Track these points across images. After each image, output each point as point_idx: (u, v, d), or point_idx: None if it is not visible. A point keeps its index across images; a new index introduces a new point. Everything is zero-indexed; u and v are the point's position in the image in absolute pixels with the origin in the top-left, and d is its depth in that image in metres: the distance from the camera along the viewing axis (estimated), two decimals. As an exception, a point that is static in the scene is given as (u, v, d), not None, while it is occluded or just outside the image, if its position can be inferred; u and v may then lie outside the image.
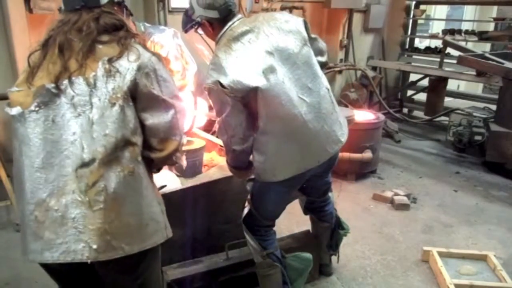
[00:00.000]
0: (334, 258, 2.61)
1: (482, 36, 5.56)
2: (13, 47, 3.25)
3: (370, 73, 5.33)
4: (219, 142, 2.32)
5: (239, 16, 1.94)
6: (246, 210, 2.12)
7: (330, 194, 2.42)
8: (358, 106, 4.95)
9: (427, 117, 5.31)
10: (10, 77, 3.38)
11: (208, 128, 2.89)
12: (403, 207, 3.49)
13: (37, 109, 1.29)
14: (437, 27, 7.24)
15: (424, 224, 3.27)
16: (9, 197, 2.96)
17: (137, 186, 1.35)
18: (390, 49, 6.18)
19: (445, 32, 5.69)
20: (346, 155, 3.82)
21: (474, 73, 4.68)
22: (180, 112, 1.45)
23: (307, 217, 2.54)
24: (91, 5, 1.37)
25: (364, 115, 4.16)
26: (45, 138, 1.28)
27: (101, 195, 1.27)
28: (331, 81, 5.44)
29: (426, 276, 2.64)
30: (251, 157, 2.00)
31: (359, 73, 5.59)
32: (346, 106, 4.89)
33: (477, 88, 7.17)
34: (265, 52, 1.80)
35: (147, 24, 2.53)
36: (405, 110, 6.22)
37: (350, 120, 3.53)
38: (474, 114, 4.78)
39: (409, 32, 6.23)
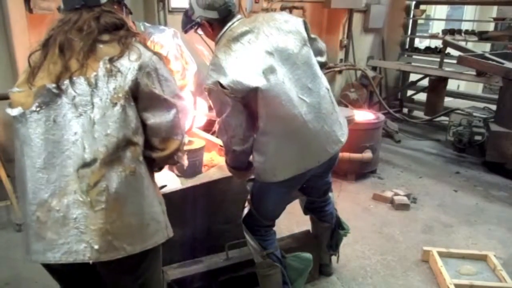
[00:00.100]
0: (334, 258, 2.61)
1: (482, 36, 5.57)
2: (13, 47, 3.25)
3: (370, 73, 5.33)
4: (219, 142, 2.32)
5: (239, 16, 1.94)
6: (246, 210, 2.12)
7: (330, 194, 2.42)
8: (358, 106, 4.95)
9: (427, 117, 5.31)
10: (10, 77, 3.38)
11: (208, 128, 2.89)
12: (403, 207, 3.49)
13: (38, 109, 1.29)
14: (437, 27, 7.24)
15: (424, 224, 3.27)
16: (9, 197, 2.96)
17: (139, 186, 1.35)
18: (390, 49, 6.18)
19: (445, 32, 5.69)
20: (346, 155, 3.82)
21: (474, 73, 4.68)
22: (181, 112, 1.45)
23: (307, 217, 2.54)
24: (91, 4, 1.37)
25: (364, 115, 4.16)
26: (47, 139, 1.28)
27: (102, 195, 1.27)
28: (331, 81, 5.44)
29: (426, 276, 2.64)
30: (250, 157, 2.00)
31: (359, 73, 5.60)
32: (346, 106, 4.89)
33: (477, 88, 7.17)
34: (265, 53, 1.80)
35: (147, 24, 2.53)
36: (405, 110, 6.22)
37: (350, 120, 3.53)
38: (474, 114, 4.78)
39: (409, 32, 6.23)
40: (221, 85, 1.73)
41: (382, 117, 4.22)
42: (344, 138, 2.02)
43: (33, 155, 1.28)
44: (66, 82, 1.29)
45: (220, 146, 2.67)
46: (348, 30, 5.50)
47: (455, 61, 4.66)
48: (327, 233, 2.47)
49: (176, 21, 2.20)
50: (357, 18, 5.59)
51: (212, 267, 2.19)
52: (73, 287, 1.51)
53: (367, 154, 3.92)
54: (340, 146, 2.01)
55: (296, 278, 2.19)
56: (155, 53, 1.42)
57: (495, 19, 6.38)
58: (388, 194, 3.63)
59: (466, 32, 5.64)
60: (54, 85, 1.29)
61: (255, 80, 1.74)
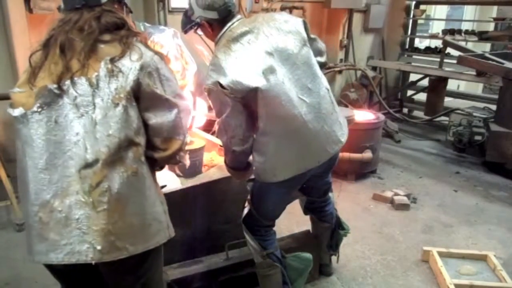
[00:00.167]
0: (334, 258, 2.61)
1: (482, 36, 5.57)
2: (13, 47, 3.25)
3: (370, 73, 5.33)
4: (219, 142, 2.32)
5: (239, 16, 1.94)
6: (246, 210, 2.12)
7: (330, 194, 2.42)
8: (358, 106, 4.95)
9: (427, 117, 5.31)
10: (10, 77, 3.38)
11: (208, 128, 2.89)
12: (403, 207, 3.49)
13: (39, 110, 1.28)
14: (437, 27, 7.24)
15: (424, 224, 3.27)
16: (9, 197, 2.96)
17: (141, 186, 1.34)
18: (390, 49, 6.18)
19: (445, 32, 5.69)
20: (346, 155, 3.82)
21: (474, 73, 4.68)
22: (183, 111, 1.44)
23: (307, 217, 2.54)
24: (92, 4, 1.36)
25: (364, 115, 4.16)
26: (48, 139, 1.28)
27: (104, 196, 1.27)
28: (331, 81, 5.44)
29: (426, 276, 2.64)
30: (250, 157, 2.00)
31: (359, 73, 5.60)
32: (346, 106, 4.89)
33: (477, 88, 7.17)
34: (264, 53, 1.80)
35: (147, 24, 2.53)
36: (405, 110, 6.22)
37: (350, 120, 3.53)
38: (474, 114, 4.78)
39: (409, 32, 6.23)
40: (221, 85, 1.73)
41: (382, 117, 4.22)
42: (344, 138, 2.02)
43: (35, 155, 1.28)
44: (68, 82, 1.29)
45: (220, 146, 2.67)
46: (348, 30, 5.50)
47: (455, 61, 4.66)
48: (327, 233, 2.47)
49: (176, 21, 2.20)
50: (357, 18, 5.59)
51: (212, 267, 2.19)
52: (75, 287, 1.51)
53: (367, 154, 3.92)
54: (340, 146, 2.00)
55: (296, 278, 2.19)
56: (157, 53, 1.41)
57: (495, 19, 6.38)
58: (388, 194, 3.63)
59: (466, 32, 5.64)
60: (55, 85, 1.28)
61: (255, 80, 1.74)
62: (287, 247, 2.31)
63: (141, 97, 1.35)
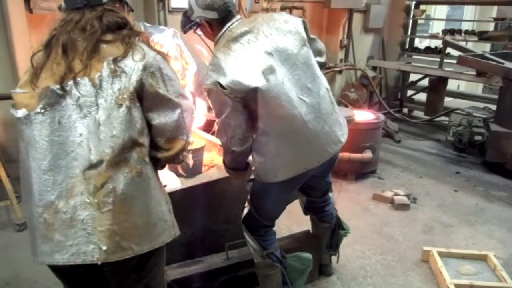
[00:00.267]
0: (334, 258, 2.61)
1: (482, 36, 5.56)
2: (13, 47, 3.25)
3: (370, 73, 5.33)
4: (219, 142, 2.32)
5: (238, 17, 1.93)
6: (245, 210, 2.12)
7: (330, 194, 2.42)
8: (358, 106, 4.96)
9: (427, 117, 5.31)
10: (10, 77, 3.38)
11: (208, 128, 2.89)
12: (403, 207, 3.49)
13: (42, 111, 1.28)
14: (437, 27, 7.24)
15: (424, 224, 3.27)
16: (9, 197, 2.96)
17: (145, 186, 1.35)
18: (390, 49, 6.18)
19: (445, 32, 5.69)
20: (346, 155, 3.82)
21: (474, 73, 4.68)
22: (186, 111, 1.44)
23: (307, 217, 2.54)
24: (93, 4, 1.36)
25: (364, 115, 4.16)
26: (52, 140, 1.27)
27: (109, 197, 1.27)
28: (331, 81, 5.44)
29: (426, 276, 2.64)
30: (249, 158, 2.00)
31: (359, 73, 5.60)
32: (346, 106, 4.89)
33: (477, 88, 7.17)
34: (264, 53, 1.80)
35: (146, 24, 2.53)
36: (405, 110, 6.22)
37: (350, 120, 3.53)
38: (474, 114, 4.78)
39: (409, 32, 6.23)
40: (220, 85, 1.73)
41: (382, 117, 4.22)
42: (344, 138, 2.02)
43: (39, 157, 1.28)
44: (70, 83, 1.28)
45: (220, 146, 2.67)
46: (348, 30, 5.50)
47: (455, 61, 4.66)
48: (327, 233, 2.47)
49: (176, 21, 2.20)
50: (357, 18, 5.60)
51: (212, 267, 2.19)
52: (78, 287, 1.51)
53: (367, 154, 3.92)
54: (340, 146, 2.00)
55: (296, 278, 2.19)
56: (159, 53, 1.41)
57: (495, 19, 6.38)
58: (388, 194, 3.63)
59: (466, 32, 5.64)
60: (58, 86, 1.28)
61: (254, 80, 1.74)
62: (287, 247, 2.31)
63: (144, 97, 1.34)
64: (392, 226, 3.23)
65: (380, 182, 4.04)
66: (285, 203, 2.15)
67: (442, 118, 5.27)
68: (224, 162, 2.07)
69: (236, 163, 2.01)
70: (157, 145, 1.42)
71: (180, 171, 2.36)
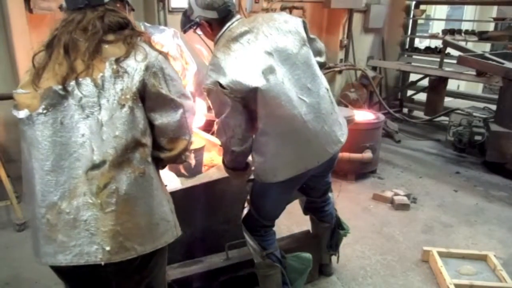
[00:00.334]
0: (334, 258, 2.61)
1: (482, 36, 5.56)
2: (13, 47, 3.25)
3: (370, 73, 5.33)
4: (219, 142, 2.33)
5: (238, 16, 1.93)
6: (245, 211, 2.12)
7: (330, 194, 2.42)
8: (358, 106, 4.96)
9: (427, 117, 5.31)
10: (10, 77, 3.38)
11: (207, 128, 2.90)
12: (403, 207, 3.49)
13: (45, 111, 1.28)
14: (437, 27, 7.24)
15: (424, 224, 3.27)
16: (9, 197, 2.96)
17: (148, 186, 1.35)
18: (390, 49, 6.18)
19: (445, 32, 5.69)
20: (346, 155, 3.82)
21: (474, 73, 4.68)
22: (189, 111, 1.44)
23: (307, 217, 2.54)
24: (94, 4, 1.35)
25: (364, 115, 4.15)
26: (54, 141, 1.27)
27: (112, 197, 1.27)
28: (331, 81, 5.44)
29: (426, 276, 2.64)
30: (248, 158, 2.00)
31: (359, 73, 5.60)
32: (346, 106, 4.89)
33: (477, 88, 7.17)
34: (264, 53, 1.79)
35: (147, 24, 2.53)
36: (405, 110, 6.22)
37: (350, 120, 3.53)
38: (474, 114, 4.78)
39: (409, 32, 6.23)
40: (220, 85, 1.73)
41: (382, 117, 4.22)
42: (344, 138, 2.02)
43: (41, 157, 1.27)
44: (72, 83, 1.28)
45: (220, 146, 2.67)
46: (348, 30, 5.50)
47: (455, 61, 4.66)
48: (327, 233, 2.47)
49: (176, 21, 2.20)
50: (357, 18, 5.60)
51: (212, 267, 2.19)
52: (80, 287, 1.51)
53: (367, 154, 3.92)
54: (340, 146, 2.00)
55: (296, 278, 2.19)
56: (161, 53, 1.41)
57: (495, 19, 6.38)
58: (388, 194, 3.63)
59: (466, 32, 5.64)
60: (60, 86, 1.28)
61: (254, 80, 1.74)
62: (287, 247, 2.31)
63: (147, 97, 1.34)
64: (392, 226, 3.23)
65: (380, 182, 4.04)
66: (285, 203, 2.15)
67: (442, 118, 5.27)
68: (223, 162, 2.07)
69: (235, 163, 2.01)
70: (160, 145, 1.42)
71: (182, 170, 2.36)
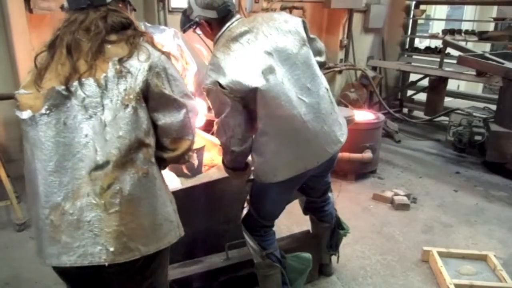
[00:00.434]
0: (334, 258, 2.61)
1: (482, 36, 5.57)
2: (13, 47, 3.25)
3: (370, 73, 5.33)
4: (219, 142, 2.33)
5: (238, 16, 1.93)
6: (245, 211, 2.11)
7: (330, 194, 2.42)
8: (358, 106, 4.96)
9: (427, 117, 5.32)
10: (10, 77, 3.38)
11: (208, 128, 2.89)
12: (403, 207, 3.49)
13: (48, 112, 1.27)
14: (437, 27, 7.24)
15: (424, 224, 3.27)
16: (9, 197, 2.96)
17: (151, 187, 1.35)
18: (390, 49, 6.18)
19: (445, 32, 5.69)
20: (346, 155, 3.82)
21: (474, 73, 4.68)
22: (192, 111, 1.44)
23: (307, 217, 2.54)
24: (97, 4, 1.35)
25: (364, 115, 4.15)
26: (57, 142, 1.27)
27: (116, 198, 1.26)
28: (331, 81, 5.44)
29: (426, 276, 2.64)
30: (248, 158, 2.00)
31: (359, 73, 5.60)
32: (346, 106, 4.89)
33: (477, 88, 7.17)
34: (264, 53, 1.79)
35: (147, 24, 2.53)
36: (405, 110, 6.22)
37: (350, 120, 3.53)
38: (474, 114, 4.78)
39: (409, 32, 6.23)
40: (220, 85, 1.73)
41: (382, 117, 4.22)
42: (343, 138, 2.02)
43: (45, 158, 1.27)
44: (75, 83, 1.28)
45: (220, 146, 2.67)
46: (348, 30, 5.50)
47: (455, 61, 4.66)
48: (327, 233, 2.47)
49: (176, 21, 2.20)
50: (357, 18, 5.60)
51: (212, 267, 2.19)
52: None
53: (367, 154, 3.92)
54: (340, 146, 2.00)
55: (296, 278, 2.19)
56: (164, 53, 1.41)
57: (495, 19, 6.38)
58: (388, 194, 3.63)
59: (466, 32, 5.64)
60: (63, 87, 1.27)
61: (254, 80, 1.74)
62: (287, 247, 2.31)
63: (150, 97, 1.34)
64: (392, 226, 3.23)
65: (380, 182, 4.04)
66: (284, 203, 2.15)
67: (442, 118, 5.27)
68: (223, 162, 2.07)
69: (235, 163, 2.01)
70: (163, 146, 1.42)
71: (185, 170, 2.36)
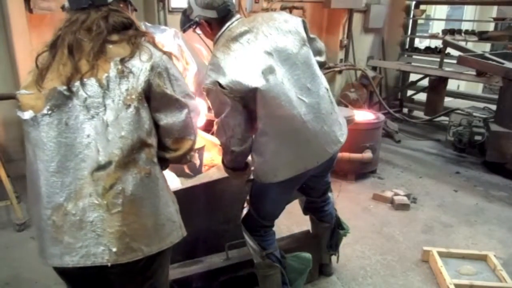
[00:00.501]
0: (334, 258, 2.61)
1: (482, 36, 5.56)
2: (13, 47, 3.25)
3: (370, 73, 5.33)
4: (219, 142, 2.33)
5: (238, 16, 1.93)
6: (245, 211, 2.11)
7: (330, 194, 2.42)
8: (358, 106, 4.96)
9: (427, 117, 5.32)
10: (10, 77, 3.38)
11: (208, 128, 2.89)
12: (403, 207, 3.49)
13: (49, 112, 1.27)
14: (437, 27, 7.24)
15: (424, 224, 3.27)
16: (9, 197, 2.96)
17: (154, 187, 1.35)
18: (390, 49, 6.18)
19: (445, 32, 5.69)
20: (346, 155, 3.82)
21: (474, 73, 4.68)
22: (193, 111, 1.44)
23: (307, 217, 2.54)
24: (98, 4, 1.35)
25: (364, 115, 4.15)
26: (59, 142, 1.27)
27: (119, 198, 1.26)
28: (331, 81, 5.44)
29: (426, 276, 2.64)
30: (248, 158, 2.00)
31: (359, 73, 5.60)
32: (346, 106, 4.89)
33: (477, 88, 7.17)
34: (264, 53, 1.79)
35: (148, 24, 2.53)
36: (405, 110, 6.22)
37: (350, 120, 3.53)
38: (474, 114, 4.78)
39: (409, 32, 6.23)
40: (220, 85, 1.73)
41: (382, 117, 4.22)
42: (343, 138, 2.02)
43: (46, 159, 1.27)
44: (77, 84, 1.27)
45: (220, 146, 2.66)
46: (348, 30, 5.50)
47: (455, 61, 4.66)
48: (327, 233, 2.47)
49: (176, 21, 2.20)
50: (357, 18, 5.60)
51: (212, 267, 2.19)
52: None
53: (367, 154, 3.92)
54: (340, 146, 2.00)
55: (296, 278, 2.19)
56: (165, 53, 1.41)
57: (495, 19, 6.38)
58: (388, 194, 3.63)
59: (466, 32, 5.64)
60: (65, 87, 1.27)
61: (254, 80, 1.74)
62: (287, 247, 2.31)
63: (152, 97, 1.34)
64: (392, 226, 3.23)
65: (380, 182, 4.04)
66: (284, 203, 2.15)
67: (442, 118, 5.27)
68: (223, 162, 2.07)
69: (235, 163, 2.01)
70: (165, 146, 1.42)
71: (187, 170, 2.36)
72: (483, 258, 2.71)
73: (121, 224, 1.26)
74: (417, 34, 6.42)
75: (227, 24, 1.88)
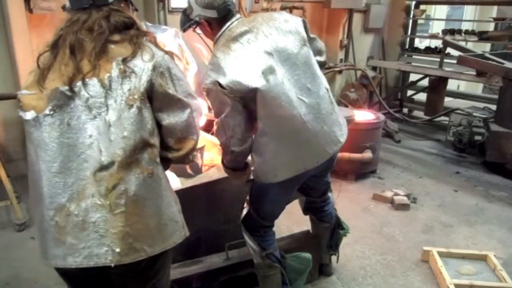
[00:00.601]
0: (334, 258, 2.61)
1: (482, 36, 5.56)
2: (13, 47, 3.25)
3: (370, 73, 5.34)
4: (219, 142, 2.33)
5: (238, 16, 1.93)
6: (245, 211, 2.11)
7: (330, 194, 2.42)
8: (358, 106, 4.96)
9: (427, 117, 5.32)
10: (10, 77, 3.38)
11: (208, 128, 2.89)
12: (403, 207, 3.49)
13: (51, 112, 1.27)
14: (437, 27, 7.24)
15: (424, 224, 3.27)
16: (9, 197, 2.96)
17: (157, 187, 1.34)
18: (390, 49, 6.18)
19: (445, 32, 5.69)
20: (346, 155, 3.82)
21: (474, 73, 4.68)
22: (196, 111, 1.44)
23: (307, 217, 2.54)
24: (99, 3, 1.35)
25: (364, 115, 4.15)
26: (62, 142, 1.26)
27: (121, 198, 1.26)
28: (331, 81, 5.44)
29: (426, 276, 2.64)
30: (248, 158, 1.99)
31: (359, 73, 5.60)
32: (346, 106, 4.89)
33: (477, 88, 7.17)
34: (264, 53, 1.79)
35: (148, 24, 2.53)
36: (405, 110, 6.22)
37: (350, 120, 3.53)
38: (474, 114, 4.78)
39: (409, 32, 6.23)
40: (220, 85, 1.72)
41: (382, 117, 4.22)
42: (343, 139, 2.02)
43: (49, 159, 1.27)
44: (79, 84, 1.27)
45: (220, 146, 2.66)
46: (348, 30, 5.50)
47: (455, 61, 4.66)
48: (327, 233, 2.47)
49: (176, 21, 2.20)
50: (357, 18, 5.60)
51: (212, 267, 2.19)
52: None
53: (367, 154, 3.92)
54: (340, 147, 2.00)
55: (296, 278, 2.19)
56: (167, 52, 1.40)
57: (495, 19, 6.38)
58: (388, 194, 3.63)
59: (466, 32, 5.64)
60: (67, 87, 1.27)
61: (254, 80, 1.74)
62: (287, 247, 2.31)
63: (154, 97, 1.34)
64: (392, 226, 3.23)
65: (380, 182, 4.04)
66: (284, 203, 2.15)
67: (442, 118, 5.28)
68: (223, 162, 2.07)
69: (235, 163, 2.01)
70: (167, 146, 1.41)
71: (189, 170, 2.36)
72: (483, 258, 2.71)
73: (124, 225, 1.26)
74: (417, 34, 6.42)
75: (227, 24, 1.88)
